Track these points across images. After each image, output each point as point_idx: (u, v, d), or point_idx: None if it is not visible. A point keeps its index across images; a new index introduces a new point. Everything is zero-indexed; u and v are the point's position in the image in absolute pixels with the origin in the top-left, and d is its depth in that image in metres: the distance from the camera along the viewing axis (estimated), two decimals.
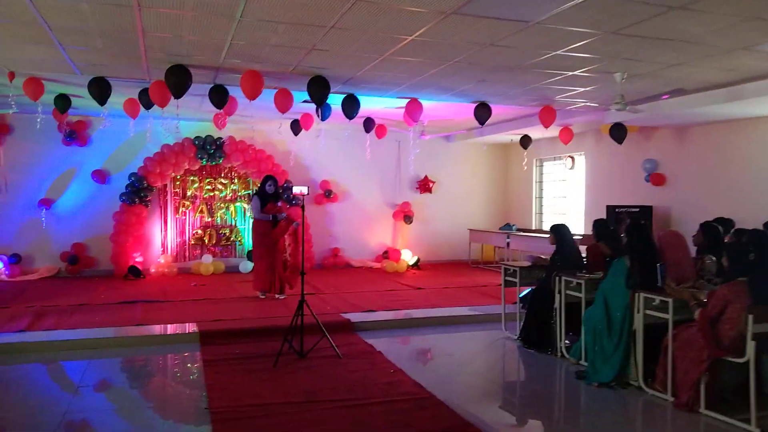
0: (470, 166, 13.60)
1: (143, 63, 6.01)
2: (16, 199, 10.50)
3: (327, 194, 12.24)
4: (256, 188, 9.43)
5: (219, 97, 6.79)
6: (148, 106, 7.79)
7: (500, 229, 12.54)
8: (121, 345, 6.24)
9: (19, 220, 10.50)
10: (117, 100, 8.48)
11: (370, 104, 8.44)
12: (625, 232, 5.58)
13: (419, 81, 6.80)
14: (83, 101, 8.99)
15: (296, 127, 10.65)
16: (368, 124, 10.15)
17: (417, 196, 13.08)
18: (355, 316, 7.34)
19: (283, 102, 6.93)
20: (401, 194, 12.96)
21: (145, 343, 6.31)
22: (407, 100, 7.91)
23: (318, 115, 8.24)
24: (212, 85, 6.84)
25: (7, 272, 10.03)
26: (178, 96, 6.06)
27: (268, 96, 6.81)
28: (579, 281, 5.77)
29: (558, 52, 5.55)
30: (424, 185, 13.10)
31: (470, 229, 12.89)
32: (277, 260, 8.35)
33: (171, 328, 6.78)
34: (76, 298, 8.44)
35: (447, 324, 7.45)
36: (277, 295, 8.45)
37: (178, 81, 5.95)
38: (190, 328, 6.71)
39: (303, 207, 5.93)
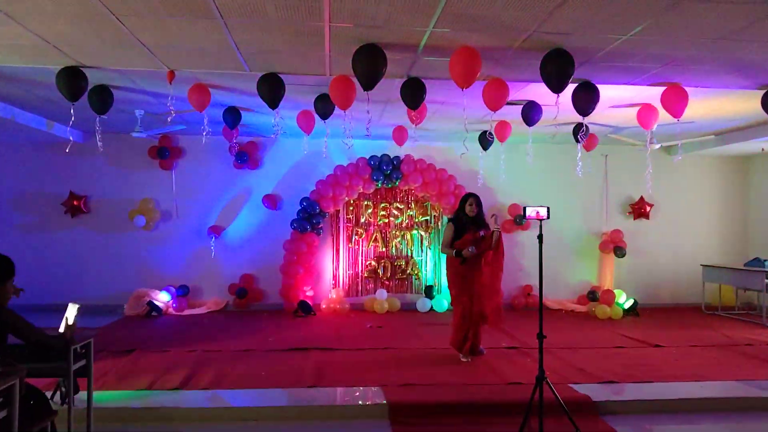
0: (698, 184, 10.84)
1: (325, 45, 4.58)
2: (185, 227, 9.89)
3: (518, 221, 10.29)
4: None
5: (414, 92, 5.20)
6: (325, 114, 6.52)
7: (746, 264, 9.65)
8: (290, 417, 4.77)
9: (188, 249, 9.86)
10: (290, 114, 7.41)
11: None
12: None
13: (700, 53, 4.68)
14: (253, 118, 8.07)
15: (486, 139, 8.90)
16: (579, 130, 8.08)
17: (630, 223, 10.62)
18: (592, 391, 5.26)
19: (496, 96, 5.17)
20: (609, 221, 10.60)
21: (319, 416, 4.79)
22: (649, 91, 5.82)
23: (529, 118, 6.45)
24: (405, 79, 5.29)
25: (174, 305, 9.34)
26: (368, 86, 4.55)
27: (447, 105, 5.13)
28: None
29: None
30: (639, 209, 10.61)
31: (704, 266, 10.11)
32: (474, 306, 6.30)
33: (351, 396, 5.20)
34: (242, 340, 7.31)
35: (732, 409, 5.11)
36: (461, 357, 6.36)
37: (370, 65, 4.42)
38: (375, 395, 5.10)
39: (540, 237, 4.07)
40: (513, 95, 6.28)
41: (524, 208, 4.12)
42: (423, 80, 5.29)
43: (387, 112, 7.79)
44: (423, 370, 6.00)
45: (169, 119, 5.78)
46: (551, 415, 4.35)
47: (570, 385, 5.40)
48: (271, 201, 9.90)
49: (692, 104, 6.79)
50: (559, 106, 7.19)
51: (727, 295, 10.27)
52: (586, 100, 5.28)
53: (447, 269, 6.55)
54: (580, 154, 8.29)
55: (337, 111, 6.61)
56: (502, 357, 6.57)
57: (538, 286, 10.29)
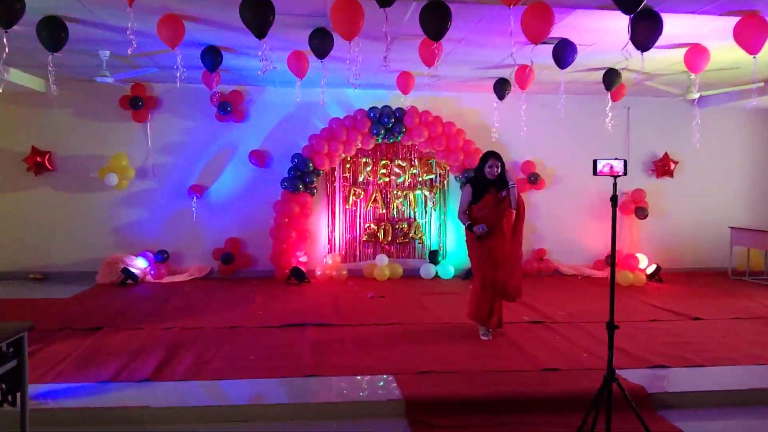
0: (727, 140, 9.90)
1: None
2: (164, 186, 8.86)
3: (531, 179, 9.37)
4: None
5: (437, 18, 4.18)
6: (322, 53, 5.50)
7: None
8: (286, 417, 3.92)
9: (167, 211, 8.86)
10: (279, 56, 6.36)
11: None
12: None
13: None
14: (237, 61, 7.04)
15: (502, 87, 7.90)
16: (611, 77, 7.15)
17: (653, 182, 9.73)
18: (644, 379, 4.43)
19: (539, 25, 4.18)
20: (631, 179, 9.66)
21: (321, 415, 3.94)
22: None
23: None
24: (425, 3, 4.25)
25: (152, 273, 8.41)
26: (386, 2, 3.53)
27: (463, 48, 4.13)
28: None
29: None
30: (663, 167, 9.71)
31: (732, 228, 9.29)
32: (498, 274, 5.45)
33: (359, 389, 4.32)
34: (228, 315, 6.44)
35: None
36: (481, 335, 5.55)
37: None
38: (388, 387, 4.24)
39: (614, 199, 3.17)
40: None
41: (594, 161, 3.20)
42: (448, 4, 4.27)
43: (391, 54, 6.74)
44: (439, 350, 5.16)
45: (129, 51, 4.70)
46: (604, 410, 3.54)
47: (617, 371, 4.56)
48: (259, 158, 8.90)
49: None
50: (594, 46, 6.25)
51: (754, 259, 9.50)
52: (648, 30, 4.28)
53: (466, 234, 5.68)
54: (610, 104, 7.40)
55: (334, 53, 5.63)
56: (525, 333, 5.74)
57: (552, 251, 9.56)
